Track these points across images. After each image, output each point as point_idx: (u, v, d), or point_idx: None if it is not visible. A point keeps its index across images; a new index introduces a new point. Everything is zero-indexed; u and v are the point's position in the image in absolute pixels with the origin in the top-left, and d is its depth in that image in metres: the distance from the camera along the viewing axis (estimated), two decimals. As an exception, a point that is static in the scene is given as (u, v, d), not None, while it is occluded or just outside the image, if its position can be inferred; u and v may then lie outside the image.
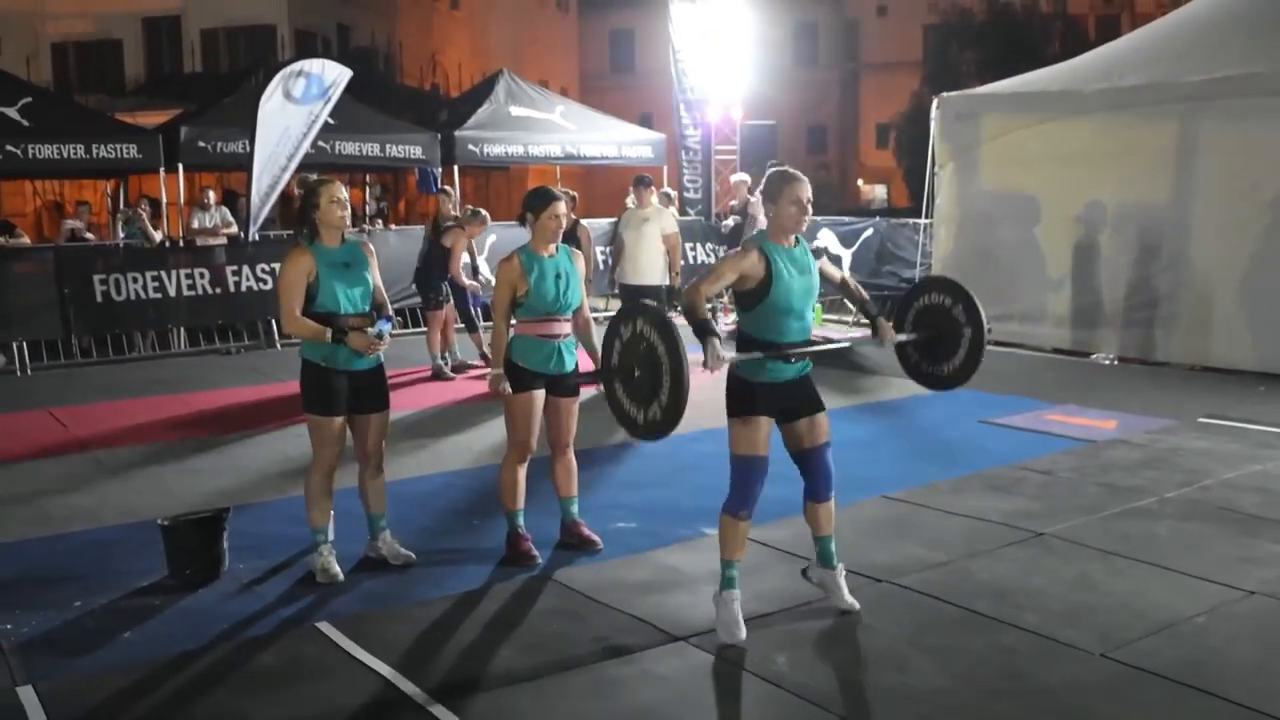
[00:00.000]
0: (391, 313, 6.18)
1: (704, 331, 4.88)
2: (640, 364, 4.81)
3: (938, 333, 5.61)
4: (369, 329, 5.87)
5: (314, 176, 6.08)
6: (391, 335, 6.05)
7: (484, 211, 12.61)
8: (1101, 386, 11.01)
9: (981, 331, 5.50)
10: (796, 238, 5.22)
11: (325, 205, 5.85)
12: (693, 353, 4.67)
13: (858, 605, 5.36)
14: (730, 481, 5.14)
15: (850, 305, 5.36)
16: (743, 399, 5.12)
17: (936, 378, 5.71)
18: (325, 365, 5.87)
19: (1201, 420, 9.27)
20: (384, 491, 6.25)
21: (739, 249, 5.20)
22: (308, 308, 5.83)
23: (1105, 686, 4.58)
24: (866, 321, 5.51)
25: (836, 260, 16.39)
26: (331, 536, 6.06)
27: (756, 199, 15.70)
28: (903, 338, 5.65)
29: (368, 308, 5.98)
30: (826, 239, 16.40)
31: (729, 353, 4.96)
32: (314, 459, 6.00)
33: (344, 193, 5.94)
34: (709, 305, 5.34)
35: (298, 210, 6.08)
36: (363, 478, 6.18)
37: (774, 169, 5.31)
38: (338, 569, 5.98)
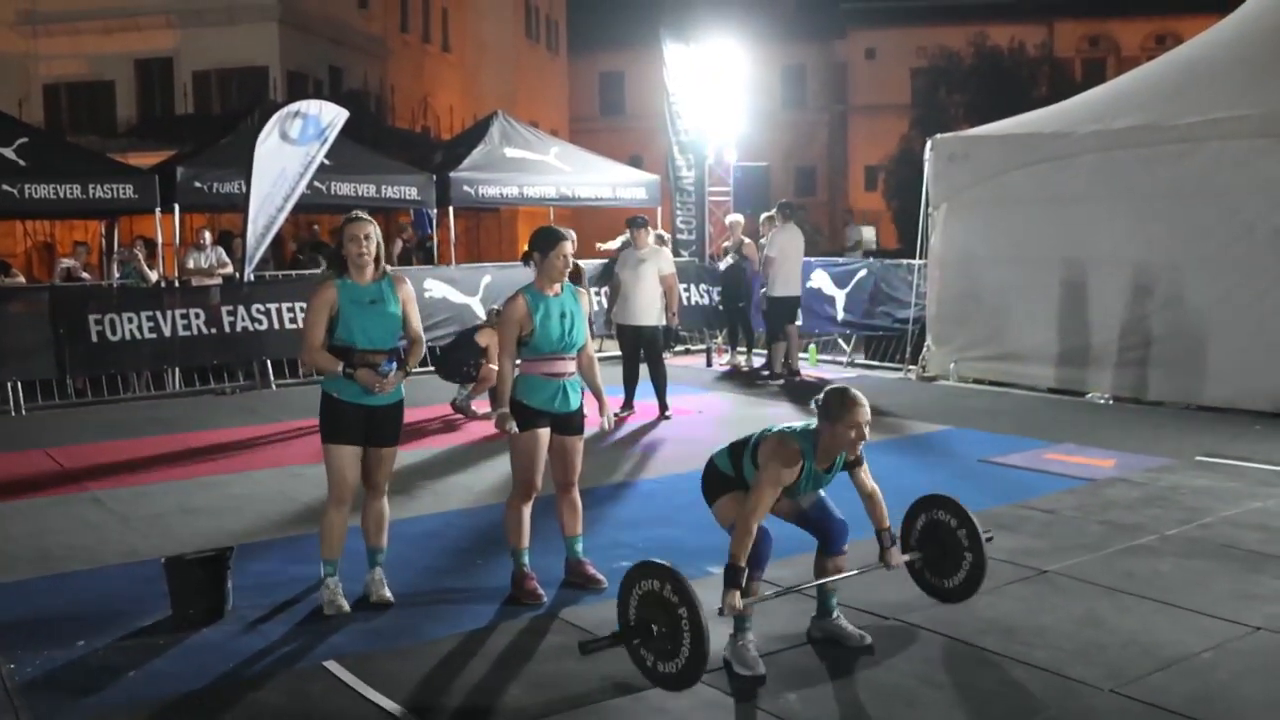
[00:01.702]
0: (416, 351, 6.18)
1: (730, 581, 4.94)
2: (658, 620, 4.80)
3: (942, 550, 5.74)
4: (379, 367, 5.90)
5: (358, 214, 6.13)
6: (407, 374, 6.07)
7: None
8: (1098, 425, 11.04)
9: (982, 554, 5.61)
10: (839, 458, 5.24)
11: (345, 243, 5.94)
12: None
13: (869, 638, 5.37)
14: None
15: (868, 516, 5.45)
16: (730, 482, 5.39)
17: (940, 591, 5.80)
18: (340, 398, 5.91)
19: (1199, 458, 9.30)
20: (385, 522, 6.24)
21: (783, 451, 5.11)
22: (328, 340, 5.91)
23: (1116, 723, 4.58)
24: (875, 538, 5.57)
25: (830, 299, 16.45)
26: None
27: (750, 241, 15.82)
28: (908, 558, 5.74)
29: (393, 344, 6.02)
30: (820, 280, 16.46)
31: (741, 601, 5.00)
32: (330, 492, 6.03)
33: (369, 230, 5.98)
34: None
35: (334, 247, 6.15)
36: (367, 510, 6.19)
37: (833, 389, 5.23)
38: (345, 602, 5.97)
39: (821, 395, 5.20)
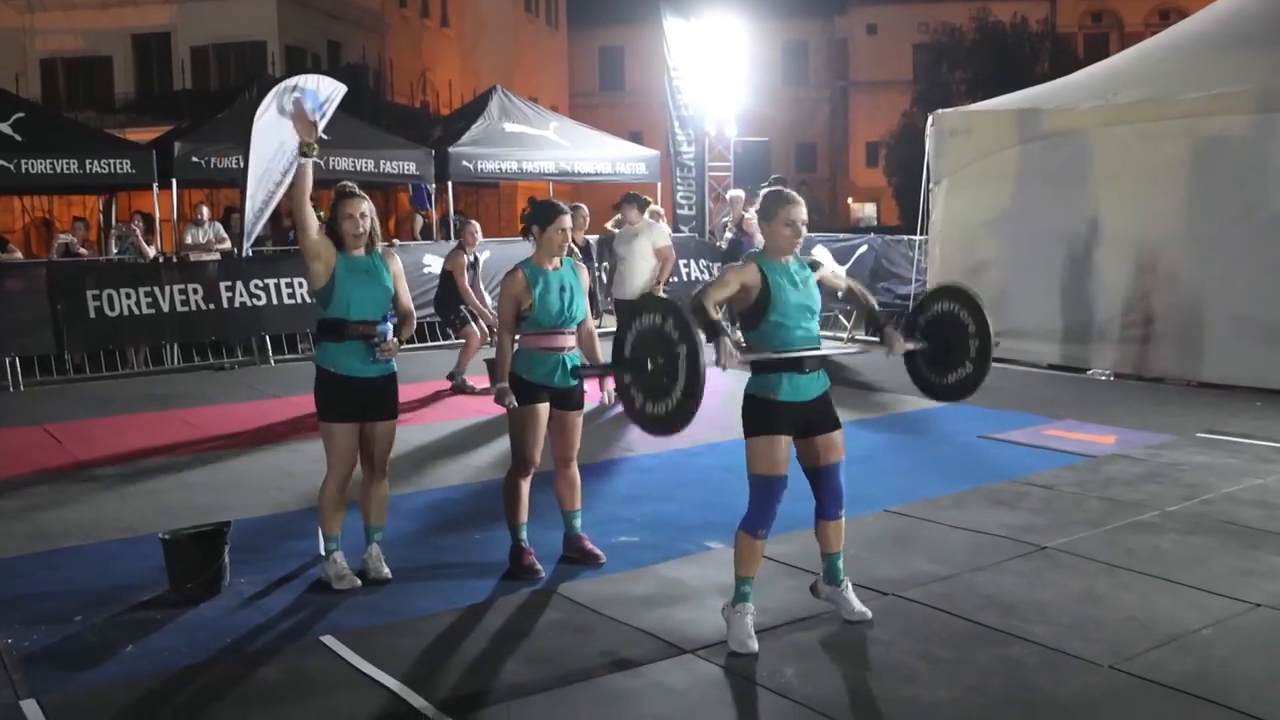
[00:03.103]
0: (408, 326, 6.14)
1: (715, 330, 4.88)
2: (654, 356, 4.74)
3: (946, 343, 5.60)
4: (375, 332, 5.91)
5: (348, 188, 6.06)
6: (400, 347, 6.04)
7: (473, 221, 12.66)
8: (1099, 402, 11.02)
9: (988, 345, 5.49)
10: (794, 257, 5.23)
11: (340, 220, 5.89)
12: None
13: (869, 614, 5.36)
14: (750, 500, 5.12)
15: (859, 312, 5.35)
16: (763, 417, 5.10)
17: (941, 388, 5.70)
18: (336, 372, 5.88)
19: (1200, 435, 9.28)
20: (385, 504, 6.22)
21: (739, 262, 5.21)
22: (324, 313, 5.89)
23: (1115, 698, 4.57)
24: (874, 332, 5.51)
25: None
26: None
27: (751, 215, 15.75)
28: (910, 346, 5.64)
29: (383, 315, 6.00)
30: (821, 256, 16.38)
31: (741, 353, 4.96)
32: (329, 468, 6.01)
33: (364, 208, 5.93)
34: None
35: (327, 219, 6.10)
36: (365, 486, 6.16)
37: (769, 189, 5.31)
38: (354, 576, 5.98)
39: (759, 198, 5.28)
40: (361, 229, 5.89)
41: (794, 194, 5.22)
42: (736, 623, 5.07)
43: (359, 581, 5.98)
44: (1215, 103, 11.43)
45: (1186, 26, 13.42)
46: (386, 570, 6.09)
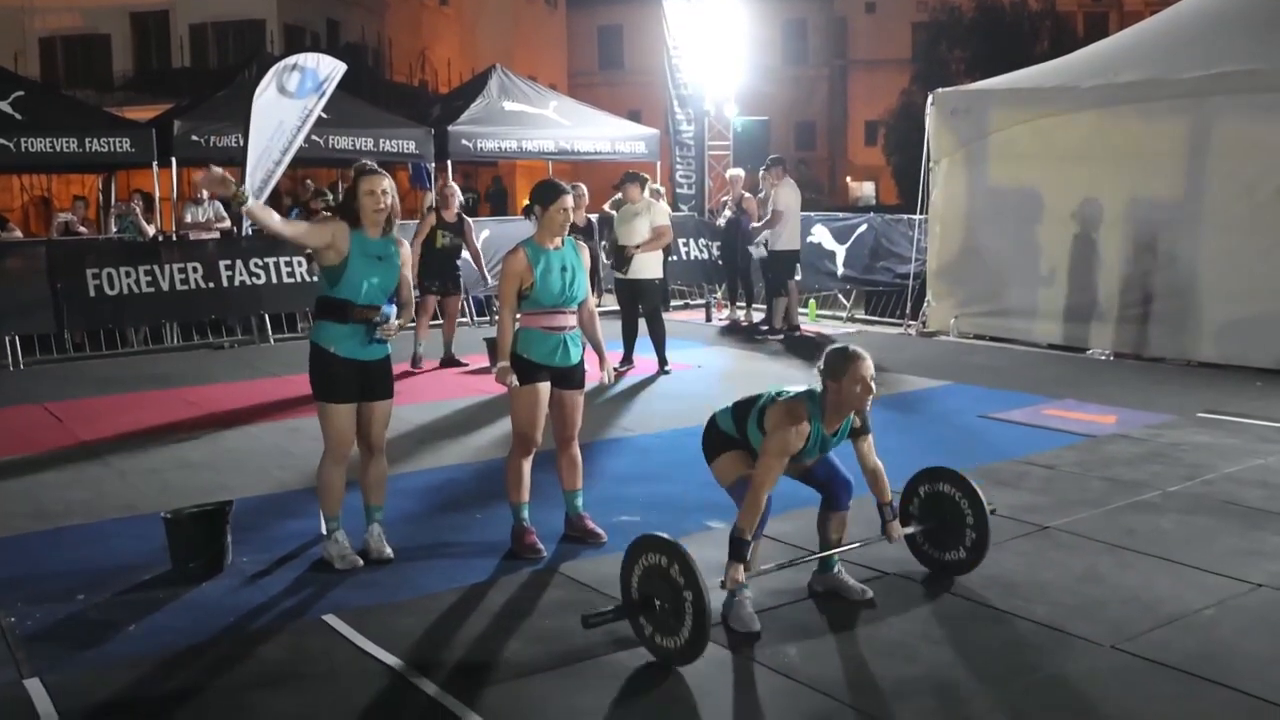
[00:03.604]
0: (406, 314, 6.13)
1: (735, 554, 4.92)
2: (661, 598, 4.74)
3: (943, 523, 5.65)
4: (379, 313, 5.89)
5: (369, 165, 6.04)
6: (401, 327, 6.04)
7: (451, 182, 12.65)
8: (1099, 382, 11.02)
9: (985, 529, 5.53)
10: (846, 420, 5.21)
11: (361, 196, 5.85)
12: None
13: (871, 592, 5.38)
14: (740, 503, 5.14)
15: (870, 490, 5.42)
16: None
17: (940, 564, 5.73)
18: (333, 352, 5.86)
19: (1201, 415, 9.28)
20: (384, 483, 6.22)
21: (790, 415, 5.04)
22: (329, 292, 5.86)
23: (1118, 678, 4.57)
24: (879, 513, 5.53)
25: (830, 254, 16.41)
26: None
27: (750, 195, 15.74)
28: (909, 531, 5.67)
29: (387, 302, 5.99)
30: (820, 235, 16.40)
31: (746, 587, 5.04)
32: (326, 448, 6.00)
33: (385, 185, 5.90)
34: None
35: (344, 196, 6.08)
36: (363, 466, 6.16)
37: (835, 347, 5.20)
38: (356, 556, 5.98)
39: (823, 357, 5.15)
40: (383, 205, 5.86)
41: (862, 350, 5.10)
42: (736, 611, 5.09)
43: (361, 561, 5.98)
44: (1216, 82, 11.39)
45: (1187, 6, 13.37)
46: (388, 550, 6.09)
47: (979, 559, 5.60)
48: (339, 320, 5.86)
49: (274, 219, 5.80)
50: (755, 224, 14.89)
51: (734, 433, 5.31)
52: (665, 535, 4.85)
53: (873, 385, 5.08)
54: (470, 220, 12.68)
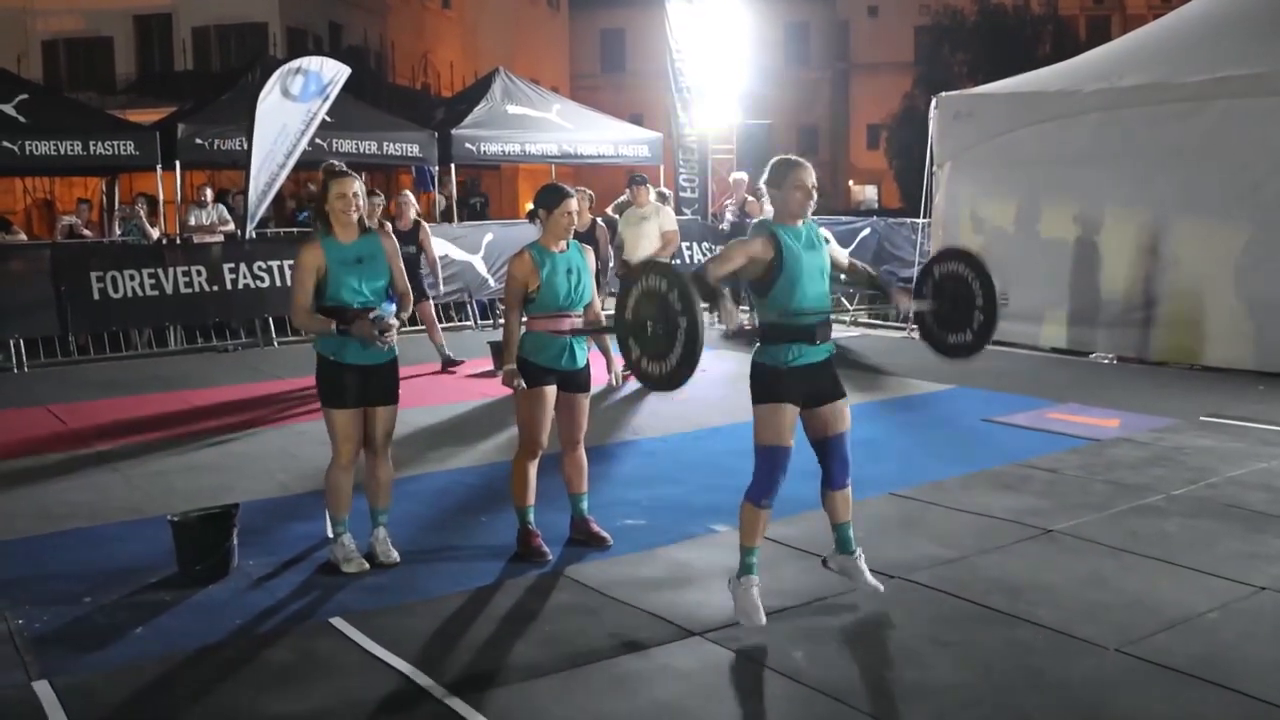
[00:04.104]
0: (405, 304, 6.13)
1: (714, 295, 4.90)
2: (655, 321, 4.75)
3: (953, 303, 5.60)
4: (371, 315, 5.85)
5: (338, 167, 6.04)
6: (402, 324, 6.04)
7: (406, 192, 12.32)
8: (1102, 385, 11.03)
9: (994, 312, 5.49)
10: (805, 223, 5.23)
11: (331, 199, 5.86)
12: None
13: (882, 587, 5.39)
14: (754, 469, 5.13)
15: (862, 286, 5.39)
16: (769, 386, 5.11)
17: (947, 347, 5.70)
18: (336, 360, 5.87)
19: (1204, 419, 9.29)
20: (389, 487, 6.22)
21: (747, 235, 5.19)
22: (318, 302, 5.85)
23: (1122, 681, 4.58)
24: (879, 300, 5.51)
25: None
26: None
27: (754, 199, 15.73)
28: (919, 306, 5.66)
29: (385, 296, 5.98)
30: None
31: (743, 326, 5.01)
32: (333, 453, 6.01)
33: (356, 187, 5.90)
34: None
35: (315, 201, 6.08)
36: (369, 469, 6.17)
37: (778, 158, 5.31)
38: (360, 557, 6.00)
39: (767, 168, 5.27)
40: (354, 208, 5.85)
41: (802, 159, 5.22)
42: (743, 596, 5.09)
43: (367, 564, 5.99)
44: (1219, 86, 11.41)
45: (1190, 10, 13.39)
46: (395, 554, 6.10)
47: (984, 343, 5.57)
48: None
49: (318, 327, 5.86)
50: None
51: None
52: (664, 260, 4.85)
53: (813, 192, 5.14)
54: (426, 225, 12.56)
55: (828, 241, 5.37)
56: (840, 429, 5.26)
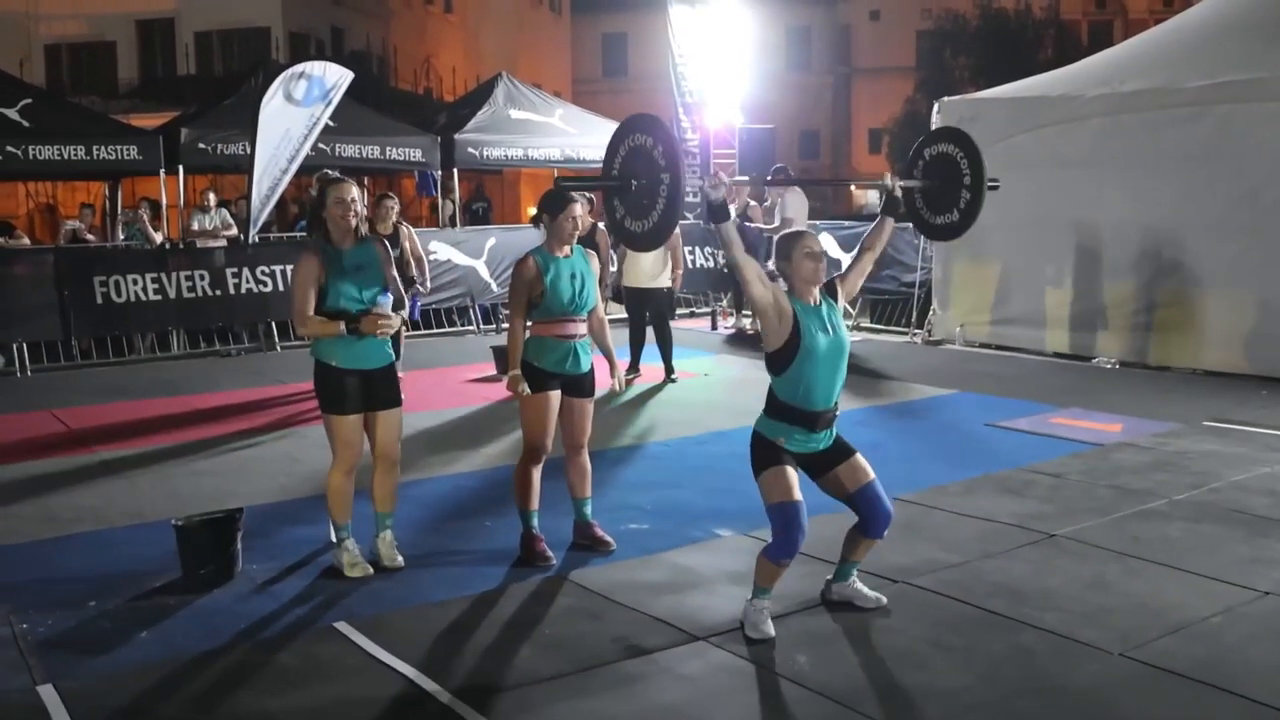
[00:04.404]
0: (404, 299, 6.12)
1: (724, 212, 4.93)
2: (639, 177, 4.75)
3: (942, 184, 5.58)
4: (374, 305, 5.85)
5: (334, 174, 6.04)
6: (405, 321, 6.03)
7: (391, 195, 11.50)
8: (1104, 390, 11.03)
9: (981, 186, 5.46)
10: (821, 295, 5.19)
11: (330, 205, 5.85)
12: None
13: (884, 599, 5.40)
14: (773, 530, 5.07)
15: (876, 235, 5.40)
16: (767, 455, 5.11)
17: (933, 227, 5.69)
18: (336, 365, 5.88)
19: (1206, 424, 9.29)
20: (394, 492, 6.22)
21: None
22: (319, 308, 5.84)
23: (1126, 685, 4.59)
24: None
25: (836, 264, 16.44)
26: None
27: (756, 203, 15.76)
28: (907, 184, 5.62)
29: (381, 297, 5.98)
30: (826, 243, 16.39)
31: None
32: (334, 458, 6.01)
33: (354, 193, 5.89)
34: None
35: (310, 209, 6.08)
36: (375, 475, 6.16)
37: (783, 232, 5.28)
38: (364, 561, 6.01)
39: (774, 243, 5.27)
40: (352, 213, 5.85)
41: (803, 228, 5.28)
42: (753, 613, 5.11)
43: (371, 569, 6.00)
44: (1220, 91, 11.42)
45: (1192, 15, 13.40)
46: (399, 558, 6.11)
47: (969, 222, 5.55)
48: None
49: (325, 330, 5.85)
50: (764, 229, 14.92)
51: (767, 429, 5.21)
52: (653, 115, 4.85)
53: (820, 255, 5.11)
54: (408, 227, 12.35)
55: (835, 290, 5.28)
56: (864, 480, 5.21)
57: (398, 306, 6.04)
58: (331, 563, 6.10)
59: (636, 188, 4.74)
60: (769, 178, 14.63)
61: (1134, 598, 5.50)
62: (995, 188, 5.58)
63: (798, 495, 5.03)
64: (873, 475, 5.24)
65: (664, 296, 12.06)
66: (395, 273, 6.14)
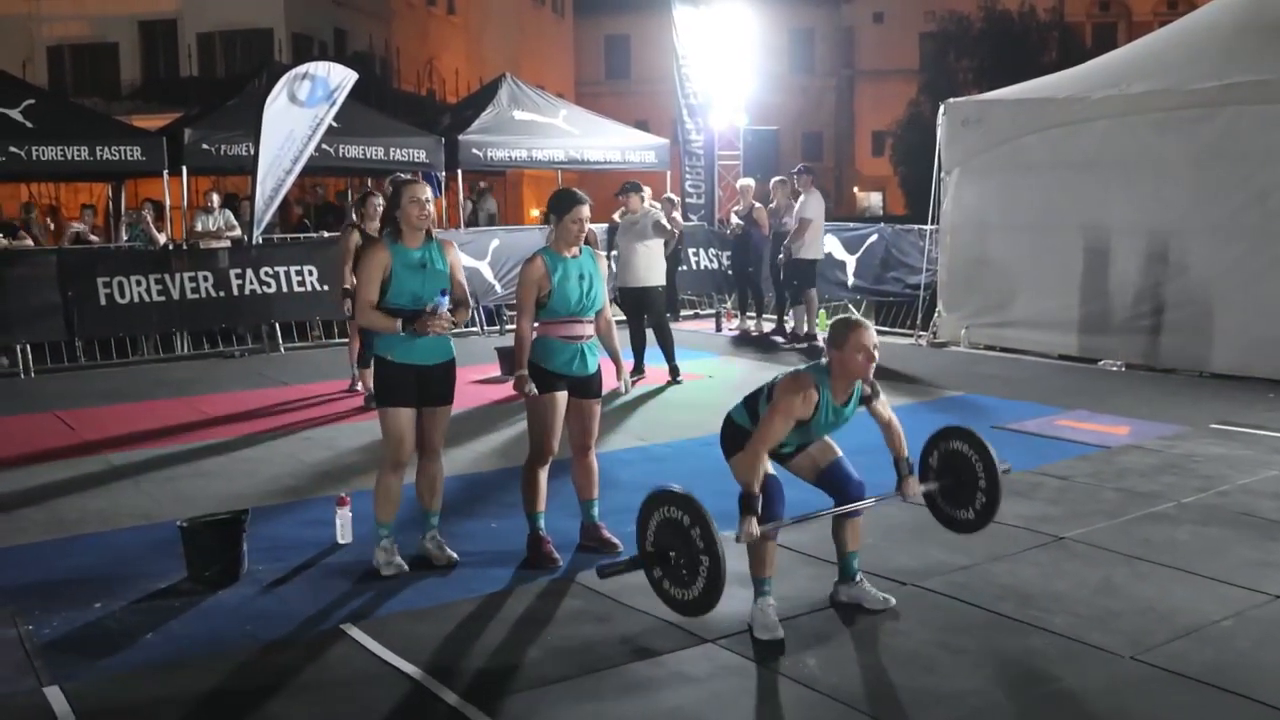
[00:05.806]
0: (462, 314, 6.12)
1: (745, 508, 4.89)
2: (676, 551, 4.79)
3: (957, 481, 5.59)
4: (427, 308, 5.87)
5: (405, 176, 6.10)
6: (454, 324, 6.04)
7: (376, 194, 10.89)
8: (1111, 393, 11.00)
9: (997, 488, 5.47)
10: (854, 395, 5.21)
11: (405, 204, 5.89)
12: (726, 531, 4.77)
13: (893, 600, 5.40)
14: None
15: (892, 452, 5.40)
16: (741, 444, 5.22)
17: (954, 522, 5.69)
18: (391, 359, 5.91)
19: (1214, 426, 9.26)
20: (440, 484, 6.23)
21: (796, 383, 5.09)
22: (382, 304, 5.88)
23: (1137, 689, 4.57)
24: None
25: (840, 264, 16.43)
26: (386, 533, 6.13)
27: (760, 205, 15.74)
28: (925, 488, 5.63)
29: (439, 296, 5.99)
30: (831, 245, 16.39)
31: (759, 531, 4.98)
32: (387, 455, 6.05)
33: (426, 193, 5.95)
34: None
35: (385, 208, 6.14)
36: (421, 469, 6.17)
37: (839, 317, 5.27)
38: (403, 561, 6.03)
39: (828, 326, 5.21)
40: (426, 212, 5.91)
41: (863, 319, 5.18)
42: (761, 615, 5.10)
43: (406, 567, 6.01)
44: (1227, 93, 11.39)
45: (1199, 17, 13.38)
46: (453, 553, 6.15)
47: (987, 521, 5.53)
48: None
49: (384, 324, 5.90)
50: (767, 233, 14.91)
51: (749, 425, 5.26)
52: (681, 490, 4.83)
53: (875, 353, 5.07)
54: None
55: (873, 399, 5.31)
56: (833, 457, 5.34)
57: (458, 307, 6.07)
58: (334, 563, 6.11)
59: (674, 562, 4.81)
60: (780, 178, 14.68)
61: (1143, 601, 5.48)
62: (1008, 472, 5.63)
63: (768, 469, 5.10)
64: (840, 452, 5.37)
65: (660, 295, 12.04)
66: (462, 277, 6.17)
